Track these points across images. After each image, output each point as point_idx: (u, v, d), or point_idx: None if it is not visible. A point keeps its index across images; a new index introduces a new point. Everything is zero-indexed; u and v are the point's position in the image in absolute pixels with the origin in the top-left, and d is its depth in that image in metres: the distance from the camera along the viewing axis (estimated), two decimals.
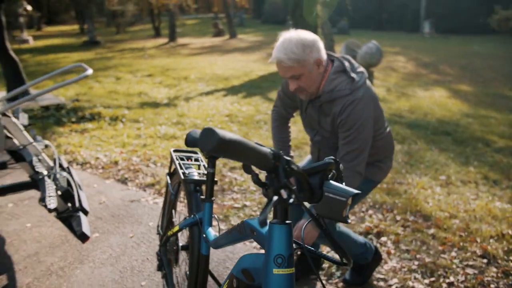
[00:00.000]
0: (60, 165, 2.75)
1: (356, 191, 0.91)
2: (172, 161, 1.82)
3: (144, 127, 5.24)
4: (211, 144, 0.74)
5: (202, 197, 1.49)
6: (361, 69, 1.84)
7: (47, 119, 5.35)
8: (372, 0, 30.01)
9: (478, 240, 2.63)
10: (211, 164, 1.46)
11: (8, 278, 2.24)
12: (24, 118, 2.76)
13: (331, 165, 0.93)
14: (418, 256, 2.45)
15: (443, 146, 4.77)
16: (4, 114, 2.35)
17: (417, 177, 3.74)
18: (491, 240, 2.63)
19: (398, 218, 2.90)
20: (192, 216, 1.56)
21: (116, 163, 3.98)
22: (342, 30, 23.97)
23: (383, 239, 2.62)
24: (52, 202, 2.08)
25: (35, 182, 2.36)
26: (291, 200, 0.85)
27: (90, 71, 2.46)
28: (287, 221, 0.91)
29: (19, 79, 5.77)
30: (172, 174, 1.90)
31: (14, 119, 2.48)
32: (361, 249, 2.10)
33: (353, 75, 1.77)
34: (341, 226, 2.02)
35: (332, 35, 14.83)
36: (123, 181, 3.60)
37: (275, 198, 0.84)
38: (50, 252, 2.50)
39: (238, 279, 1.04)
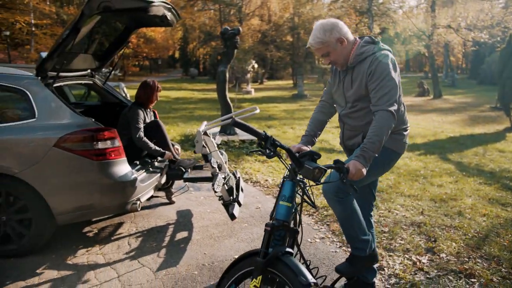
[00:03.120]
0: (234, 174, 4.02)
1: (317, 165, 1.68)
2: None
3: None
4: (231, 123, 1.73)
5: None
6: (387, 47, 2.26)
7: (242, 149, 7.04)
8: None
9: None
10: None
11: (188, 234, 3.58)
12: (218, 140, 4.19)
13: (317, 154, 1.74)
14: None
15: None
16: (205, 133, 3.75)
17: None
18: None
19: (503, 270, 2.97)
20: None
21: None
22: None
23: (473, 280, 2.82)
24: (218, 189, 3.29)
25: (213, 177, 3.64)
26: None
27: (257, 111, 3.67)
28: (294, 180, 1.77)
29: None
30: None
31: (211, 138, 3.88)
32: (363, 236, 2.33)
33: (381, 44, 2.26)
34: (357, 210, 2.32)
35: None
36: None
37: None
38: (215, 227, 3.74)
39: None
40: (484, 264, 3.09)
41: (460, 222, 3.90)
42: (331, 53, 2.21)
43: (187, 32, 34.73)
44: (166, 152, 3.90)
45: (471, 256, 3.20)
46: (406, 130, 2.40)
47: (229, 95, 7.92)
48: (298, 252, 2.54)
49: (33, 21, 28.13)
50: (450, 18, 21.92)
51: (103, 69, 4.94)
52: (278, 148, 1.77)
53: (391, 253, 3.22)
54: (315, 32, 2.17)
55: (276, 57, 32.27)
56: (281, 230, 1.84)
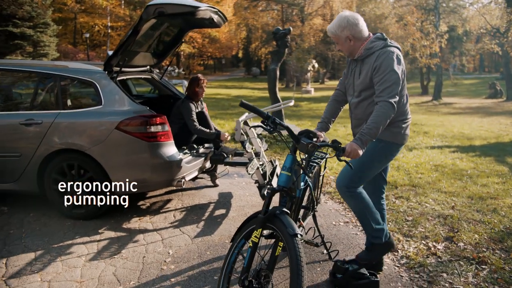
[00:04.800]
0: (272, 162, 4.41)
1: (311, 141, 2.01)
2: None
3: None
4: (239, 104, 2.09)
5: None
6: (397, 44, 2.53)
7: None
8: None
9: None
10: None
11: (226, 211, 4.06)
12: (259, 131, 4.58)
13: (312, 133, 2.07)
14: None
15: None
16: (245, 123, 4.17)
17: None
18: None
19: None
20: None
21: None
22: None
23: (483, 266, 2.95)
24: (251, 171, 3.70)
25: (249, 161, 4.05)
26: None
27: (292, 103, 4.03)
28: (293, 155, 2.11)
29: (278, 114, 8.15)
30: None
31: (252, 129, 4.29)
32: (377, 225, 2.63)
33: (389, 41, 2.51)
34: (369, 202, 2.63)
35: None
36: None
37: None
38: (250, 207, 4.18)
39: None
40: (502, 255, 3.18)
41: (491, 218, 3.94)
42: (339, 44, 2.58)
43: (250, 32, 35.61)
44: (221, 132, 4.44)
45: (490, 247, 3.29)
46: (405, 122, 2.62)
47: (287, 94, 8.31)
48: (315, 227, 2.91)
49: (109, 24, 30.63)
50: None
51: (169, 67, 5.58)
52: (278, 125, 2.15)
53: (409, 239, 3.41)
54: (333, 23, 2.53)
55: (338, 57, 32.01)
56: (285, 197, 2.21)
